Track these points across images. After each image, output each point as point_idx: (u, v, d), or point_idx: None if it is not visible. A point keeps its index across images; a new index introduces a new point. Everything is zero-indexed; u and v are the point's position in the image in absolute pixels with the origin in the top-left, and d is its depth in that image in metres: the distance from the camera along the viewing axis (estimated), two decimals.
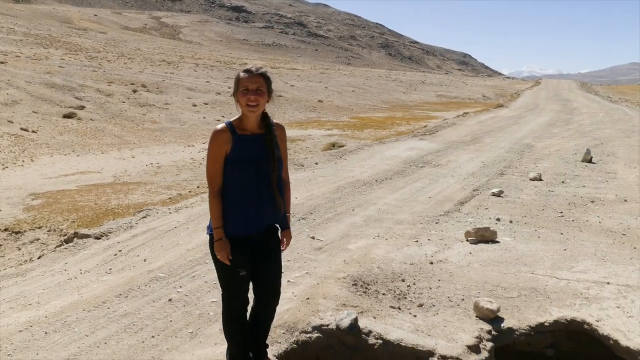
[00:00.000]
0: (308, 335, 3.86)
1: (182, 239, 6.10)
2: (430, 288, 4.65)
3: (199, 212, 7.20)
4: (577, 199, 7.88)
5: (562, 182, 9.14)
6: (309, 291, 4.50)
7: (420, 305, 4.33)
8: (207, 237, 3.14)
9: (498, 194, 8.12)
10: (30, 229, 7.53)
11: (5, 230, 7.53)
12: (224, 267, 3.08)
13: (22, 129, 16.47)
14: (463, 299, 4.42)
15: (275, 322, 3.61)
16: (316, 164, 11.10)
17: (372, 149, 13.34)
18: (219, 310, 3.35)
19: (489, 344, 3.86)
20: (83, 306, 4.29)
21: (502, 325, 4.04)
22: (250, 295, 3.29)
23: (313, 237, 6.04)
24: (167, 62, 44.41)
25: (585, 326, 4.06)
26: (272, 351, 3.58)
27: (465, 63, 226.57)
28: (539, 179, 9.30)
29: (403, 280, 4.80)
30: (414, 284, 4.74)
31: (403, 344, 3.74)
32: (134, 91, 26.01)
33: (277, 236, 3.26)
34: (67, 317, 4.10)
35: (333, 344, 3.85)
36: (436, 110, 32.66)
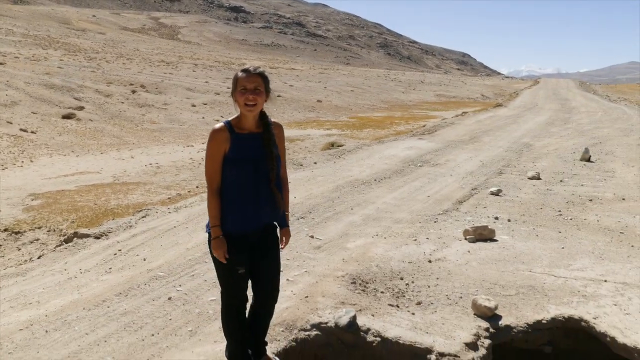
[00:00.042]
0: (307, 333, 3.88)
1: (182, 238, 6.13)
2: (429, 286, 4.68)
3: (198, 211, 7.22)
4: (575, 198, 7.91)
5: (561, 181, 9.17)
6: (308, 289, 4.53)
7: (419, 303, 4.35)
8: (207, 236, 3.17)
9: (496, 193, 8.15)
10: (30, 229, 7.54)
11: (5, 230, 7.55)
12: (222, 265, 3.10)
13: (21, 129, 16.48)
14: (461, 297, 4.45)
15: (274, 320, 3.64)
16: (315, 163, 11.12)
17: (371, 148, 13.36)
18: (219, 308, 3.38)
19: (487, 342, 3.88)
20: (83, 305, 4.31)
21: (499, 322, 4.07)
22: (249, 293, 3.31)
23: (312, 236, 6.06)
24: (166, 63, 44.43)
25: (583, 323, 4.08)
26: (271, 349, 3.61)
27: (464, 63, 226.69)
28: (537, 177, 9.33)
29: (401, 279, 4.82)
30: (413, 282, 4.76)
31: (401, 342, 3.76)
32: (133, 92, 26.03)
33: (275, 234, 3.28)
34: (67, 315, 4.12)
35: (332, 342, 3.88)
36: (435, 110, 32.69)
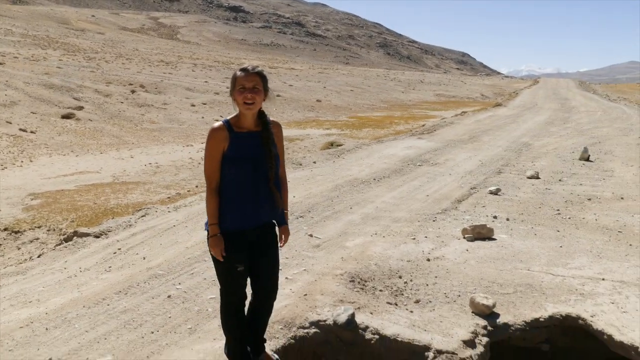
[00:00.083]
0: (305, 330, 3.90)
1: (181, 237, 6.15)
2: (427, 284, 4.70)
3: (197, 210, 7.24)
4: (574, 197, 7.93)
5: (560, 180, 9.19)
6: (307, 287, 4.55)
7: (417, 301, 4.37)
8: (206, 234, 3.19)
9: (495, 192, 8.17)
10: (29, 229, 7.56)
11: (5, 229, 7.56)
12: (221, 263, 3.12)
13: (20, 129, 16.49)
14: (459, 295, 4.47)
15: (273, 318, 3.66)
16: (314, 162, 11.14)
17: (370, 147, 13.38)
18: (218, 306, 3.40)
19: (485, 339, 3.90)
20: (83, 303, 4.34)
21: (497, 320, 4.09)
22: (248, 290, 3.33)
23: (311, 235, 6.08)
24: (165, 63, 44.44)
25: (580, 321, 4.10)
26: (270, 346, 3.63)
27: (464, 62, 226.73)
28: (536, 177, 9.35)
29: (400, 277, 4.84)
30: (411, 280, 4.78)
31: (399, 339, 3.78)
32: (133, 91, 26.04)
33: (274, 232, 3.30)
34: (67, 313, 4.14)
35: (330, 340, 3.90)
36: (435, 110, 32.71)
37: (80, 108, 21.09)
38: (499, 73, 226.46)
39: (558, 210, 7.20)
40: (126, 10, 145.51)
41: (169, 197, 9.09)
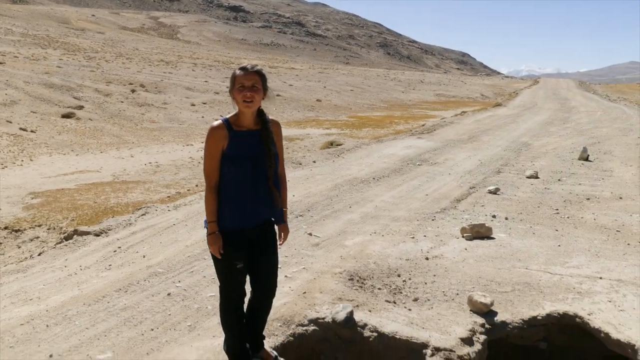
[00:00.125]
0: (304, 328, 3.93)
1: (181, 235, 6.17)
2: (426, 283, 4.72)
3: (197, 209, 7.26)
4: (572, 197, 7.95)
5: (559, 179, 9.21)
6: (306, 285, 4.57)
7: (415, 300, 4.39)
8: (205, 232, 3.21)
9: (494, 192, 8.19)
10: (30, 227, 7.58)
11: (5, 228, 7.59)
12: (221, 260, 3.14)
13: (21, 128, 16.51)
14: (457, 294, 4.49)
15: (272, 315, 3.68)
16: (314, 162, 11.16)
17: (369, 147, 13.40)
18: (217, 304, 3.42)
19: (482, 337, 3.93)
20: (83, 300, 4.36)
21: (495, 318, 4.11)
22: (248, 288, 3.35)
23: (310, 234, 6.10)
24: (165, 62, 44.46)
25: (578, 320, 4.13)
26: (269, 343, 3.65)
27: (464, 62, 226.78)
28: (535, 176, 9.37)
29: (399, 276, 4.86)
30: (410, 279, 4.81)
31: (398, 337, 3.81)
32: (133, 91, 26.06)
33: (274, 230, 3.32)
34: (68, 310, 4.17)
35: (329, 337, 3.92)
36: (435, 110, 32.74)
37: (81, 107, 21.12)
38: (499, 73, 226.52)
39: (557, 209, 7.22)
40: (126, 10, 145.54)
41: (168, 196, 9.12)
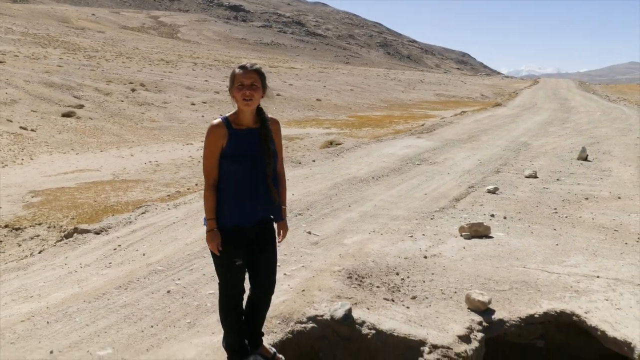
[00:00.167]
0: (303, 325, 3.95)
1: (181, 234, 6.20)
2: (424, 281, 4.74)
3: (197, 208, 7.29)
4: (571, 196, 7.98)
5: (557, 179, 9.24)
6: (305, 283, 4.60)
7: (414, 298, 4.42)
8: (205, 229, 3.24)
9: (493, 191, 8.22)
10: (30, 226, 7.61)
11: (6, 226, 7.62)
12: (220, 257, 3.17)
13: (21, 127, 16.54)
14: (455, 292, 4.52)
15: (271, 313, 3.71)
16: (313, 161, 11.19)
17: (369, 146, 13.43)
18: (216, 301, 3.45)
19: (480, 335, 3.95)
20: (83, 298, 4.39)
21: (493, 316, 4.13)
22: (247, 285, 3.38)
23: (309, 232, 6.13)
24: (165, 61, 44.47)
25: (575, 318, 4.15)
26: (268, 340, 3.67)
27: (464, 62, 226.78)
28: (534, 176, 9.40)
29: (397, 274, 4.89)
30: (408, 277, 4.83)
31: (395, 334, 3.83)
32: (133, 90, 26.08)
33: (273, 228, 3.35)
34: (68, 307, 4.19)
35: (327, 334, 3.95)
36: (434, 109, 32.77)
37: (81, 106, 21.15)
38: (499, 73, 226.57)
39: (555, 209, 7.24)
40: (126, 9, 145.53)
41: (168, 195, 9.14)
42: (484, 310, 4.17)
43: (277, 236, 3.38)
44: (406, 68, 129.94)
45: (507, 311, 4.20)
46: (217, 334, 3.68)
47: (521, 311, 4.20)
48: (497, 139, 14.96)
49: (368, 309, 4.15)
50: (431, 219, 6.79)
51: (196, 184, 10.13)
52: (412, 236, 6.02)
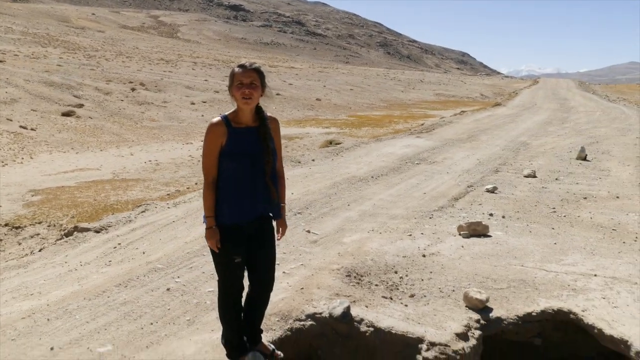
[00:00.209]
0: (302, 323, 3.98)
1: (180, 232, 6.22)
2: (422, 279, 4.77)
3: (197, 207, 7.31)
4: (570, 196, 8.00)
5: (556, 179, 9.26)
6: (304, 281, 4.63)
7: (412, 296, 4.44)
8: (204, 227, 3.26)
9: (492, 190, 8.24)
10: (30, 224, 7.63)
11: (6, 225, 7.64)
12: (219, 254, 3.20)
13: (21, 126, 16.55)
14: (453, 290, 4.54)
15: (270, 311, 3.74)
16: (313, 160, 11.21)
17: (368, 146, 13.45)
18: (216, 299, 3.48)
19: (477, 332, 3.98)
20: (84, 295, 4.41)
21: (490, 314, 4.16)
22: (246, 282, 3.40)
23: (308, 231, 6.15)
24: (165, 61, 44.48)
25: (572, 316, 4.17)
26: (267, 338, 3.70)
27: (464, 62, 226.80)
28: (533, 175, 9.42)
29: (396, 272, 4.92)
30: (406, 275, 4.86)
31: (394, 332, 3.86)
32: (133, 89, 26.10)
33: (272, 226, 3.38)
34: (68, 305, 4.22)
35: (326, 332, 3.97)
36: (434, 109, 32.79)
37: (81, 106, 21.16)
38: (498, 73, 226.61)
39: (554, 208, 7.27)
40: (126, 9, 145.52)
41: (168, 194, 9.17)
42: (482, 308, 4.20)
43: (276, 234, 3.40)
44: (406, 68, 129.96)
45: (505, 309, 4.23)
46: (216, 331, 3.71)
47: (519, 309, 4.23)
48: (496, 138, 14.98)
49: (366, 306, 4.18)
50: (430, 218, 6.82)
51: (196, 183, 10.15)
52: (410, 235, 6.05)
